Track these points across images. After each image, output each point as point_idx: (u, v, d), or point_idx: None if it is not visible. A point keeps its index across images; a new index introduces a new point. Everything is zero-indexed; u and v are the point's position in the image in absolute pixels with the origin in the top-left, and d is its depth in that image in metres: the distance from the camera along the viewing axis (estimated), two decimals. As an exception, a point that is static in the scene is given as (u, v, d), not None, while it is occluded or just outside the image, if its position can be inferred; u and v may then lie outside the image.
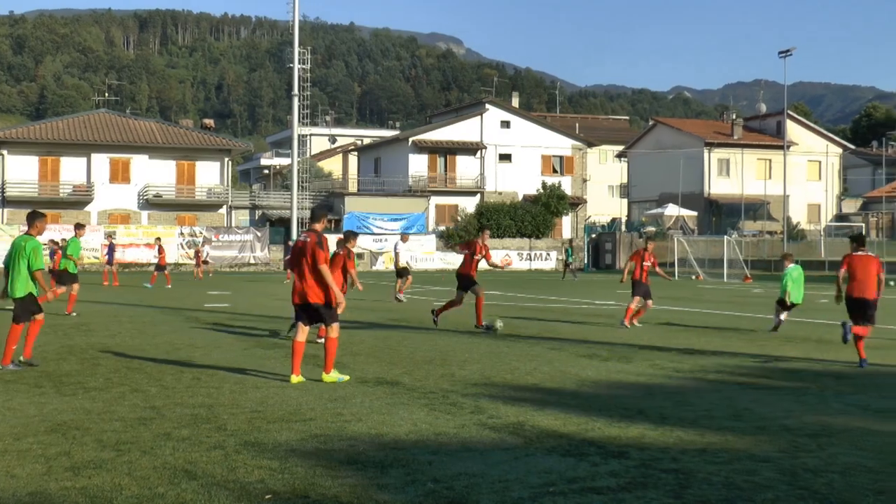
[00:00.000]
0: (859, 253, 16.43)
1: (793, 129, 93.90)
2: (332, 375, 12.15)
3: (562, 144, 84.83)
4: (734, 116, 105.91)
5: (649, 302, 21.95)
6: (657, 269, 23.03)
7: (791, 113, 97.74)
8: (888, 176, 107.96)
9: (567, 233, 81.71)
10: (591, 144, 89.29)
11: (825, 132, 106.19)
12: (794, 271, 21.92)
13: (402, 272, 30.31)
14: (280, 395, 11.11)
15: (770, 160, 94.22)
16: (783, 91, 78.33)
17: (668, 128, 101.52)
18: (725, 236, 63.33)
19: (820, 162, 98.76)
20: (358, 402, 10.65)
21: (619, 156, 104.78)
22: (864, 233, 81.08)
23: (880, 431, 9.29)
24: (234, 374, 12.93)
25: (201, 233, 64.66)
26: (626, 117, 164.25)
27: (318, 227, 12.52)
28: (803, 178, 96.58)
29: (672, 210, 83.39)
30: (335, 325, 12.18)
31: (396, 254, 31.17)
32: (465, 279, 20.27)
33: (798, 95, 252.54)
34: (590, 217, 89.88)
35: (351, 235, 18.29)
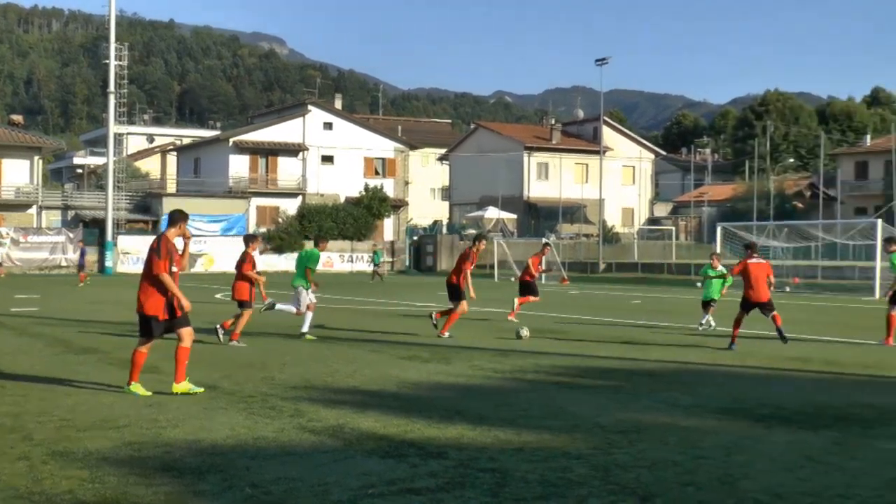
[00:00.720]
0: (753, 260, 18.22)
1: (609, 135, 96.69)
2: (184, 386, 11.41)
3: (384, 147, 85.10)
4: (553, 122, 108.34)
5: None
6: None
7: (607, 119, 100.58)
8: (696, 181, 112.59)
9: (389, 235, 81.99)
10: (413, 147, 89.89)
11: (639, 138, 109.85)
12: (709, 271, 23.10)
13: None
14: (92, 402, 10.76)
15: (587, 164, 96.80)
16: (600, 98, 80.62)
17: (489, 132, 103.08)
18: (543, 239, 64.69)
19: (634, 167, 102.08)
20: (175, 408, 10.41)
21: (441, 159, 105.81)
22: (674, 235, 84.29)
23: (687, 427, 9.66)
24: (42, 381, 12.45)
25: (8, 233, 62.09)
26: (449, 121, 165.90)
27: (170, 231, 11.59)
28: (618, 182, 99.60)
29: (492, 213, 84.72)
30: (187, 332, 11.45)
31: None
32: (452, 288, 20.00)
33: (614, 102, 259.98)
34: (411, 219, 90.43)
35: (250, 239, 18.25)
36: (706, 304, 22.89)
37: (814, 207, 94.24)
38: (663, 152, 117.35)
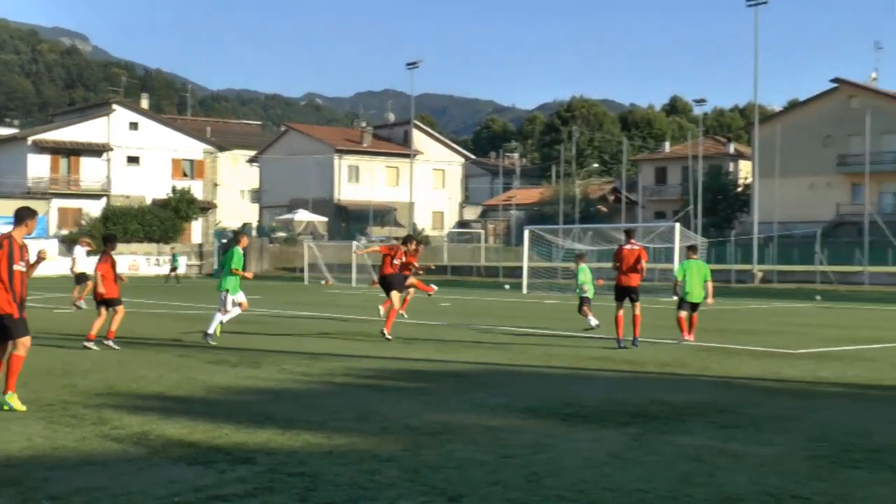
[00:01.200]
0: (628, 246, 18.52)
1: (419, 139, 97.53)
2: (12, 398, 10.51)
3: (192, 148, 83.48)
4: (364, 125, 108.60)
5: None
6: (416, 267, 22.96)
7: (418, 123, 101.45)
8: (505, 185, 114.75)
9: (197, 238, 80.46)
10: (222, 149, 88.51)
11: (449, 142, 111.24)
12: (583, 272, 23.96)
13: (80, 278, 29.02)
14: None
15: (398, 168, 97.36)
16: (411, 101, 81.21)
17: (299, 134, 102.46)
18: (354, 242, 64.72)
19: (444, 170, 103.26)
20: (-34, 419, 9.92)
21: (251, 161, 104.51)
22: (484, 238, 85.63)
23: (494, 427, 9.83)
24: None
25: None
26: (259, 122, 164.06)
27: (17, 231, 10.74)
28: (429, 185, 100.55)
29: (303, 215, 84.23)
30: (22, 341, 10.55)
31: (73, 259, 29.81)
32: (385, 279, 20.06)
33: (425, 106, 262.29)
34: (220, 222, 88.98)
35: (109, 240, 17.82)
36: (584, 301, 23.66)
37: (617, 211, 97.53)
38: (473, 156, 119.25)
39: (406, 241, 21.42)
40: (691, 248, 20.49)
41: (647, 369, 15.09)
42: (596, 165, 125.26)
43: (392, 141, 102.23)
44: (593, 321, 22.94)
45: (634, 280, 18.32)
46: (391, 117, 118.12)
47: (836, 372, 14.89)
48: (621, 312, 18.38)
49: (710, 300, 19.26)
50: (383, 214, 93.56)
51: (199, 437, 9.08)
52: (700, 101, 79.49)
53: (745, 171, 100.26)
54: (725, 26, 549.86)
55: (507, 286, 52.52)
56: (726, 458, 8.36)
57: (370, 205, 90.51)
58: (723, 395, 12.25)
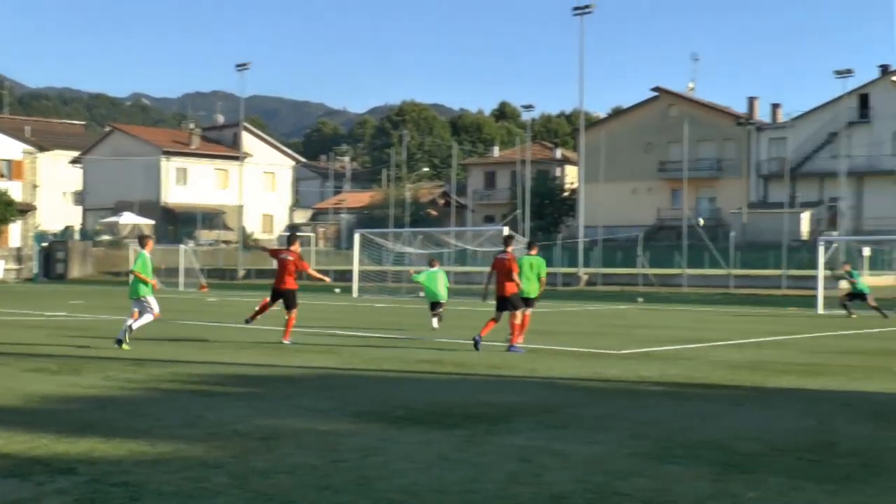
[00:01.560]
0: (501, 256, 18.45)
1: (249, 141, 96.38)
2: None
3: (11, 148, 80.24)
4: (192, 126, 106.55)
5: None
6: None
7: (247, 125, 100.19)
8: (335, 188, 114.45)
9: (16, 241, 77.39)
10: (43, 149, 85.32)
11: (279, 145, 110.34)
12: (435, 274, 24.73)
13: None
14: None
15: (227, 170, 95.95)
16: (240, 103, 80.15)
17: (125, 135, 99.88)
18: (182, 245, 63.44)
19: (274, 173, 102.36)
20: None
21: (74, 162, 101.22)
22: (314, 242, 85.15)
23: (325, 431, 9.78)
24: None
25: None
26: (83, 122, 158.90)
27: None
28: (259, 188, 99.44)
29: (128, 218, 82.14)
30: None
31: None
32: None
33: (254, 108, 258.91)
34: (40, 225, 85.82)
35: None
36: (434, 305, 24.75)
37: (447, 215, 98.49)
38: (303, 159, 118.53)
39: (291, 241, 20.63)
40: (530, 245, 20.75)
41: (476, 371, 15.27)
42: (426, 169, 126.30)
43: (221, 143, 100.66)
44: (436, 323, 23.92)
45: (510, 289, 18.26)
46: (220, 119, 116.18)
47: (657, 371, 15.39)
48: (499, 318, 18.61)
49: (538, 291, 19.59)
50: (212, 218, 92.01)
51: (16, 448, 8.72)
52: (528, 107, 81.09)
53: (571, 175, 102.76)
54: (552, 34, 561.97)
55: (337, 290, 52.32)
56: (552, 457, 8.53)
57: (199, 208, 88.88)
58: (549, 396, 12.50)
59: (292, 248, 20.21)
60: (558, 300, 43.66)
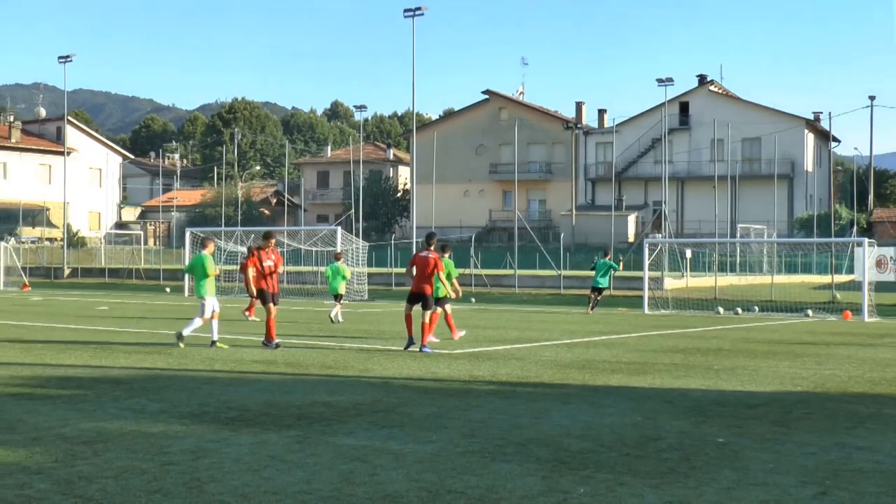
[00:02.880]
0: (423, 253, 18.71)
1: (74, 136, 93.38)
2: None
3: None
4: (12, 119, 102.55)
5: None
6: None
7: (72, 119, 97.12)
8: (165, 186, 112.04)
9: None
10: None
11: (106, 140, 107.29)
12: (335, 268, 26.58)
13: None
14: None
15: (51, 165, 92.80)
16: (63, 96, 77.62)
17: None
18: (2, 243, 61.08)
19: (101, 169, 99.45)
20: None
21: None
22: (143, 240, 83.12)
23: (154, 433, 9.55)
24: None
25: None
26: None
27: None
28: (85, 185, 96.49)
29: (-57, 214, 78.40)
30: None
31: None
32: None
33: (79, 102, 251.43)
34: None
35: None
36: (336, 297, 27.29)
37: (280, 214, 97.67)
38: (131, 156, 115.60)
39: (267, 237, 19.98)
40: (443, 248, 21.20)
41: (310, 371, 15.19)
42: (258, 168, 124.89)
43: (44, 137, 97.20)
44: (335, 313, 26.29)
45: (427, 288, 18.74)
46: (42, 112, 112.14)
47: (489, 371, 15.61)
48: (411, 312, 19.04)
49: (454, 294, 20.56)
50: (34, 214, 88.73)
51: None
52: (361, 107, 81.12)
53: (404, 176, 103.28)
54: (385, 34, 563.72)
55: (167, 289, 51.25)
56: (386, 456, 8.55)
57: (20, 204, 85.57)
58: (383, 396, 12.53)
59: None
60: (392, 300, 43.82)
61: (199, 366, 15.64)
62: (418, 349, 18.42)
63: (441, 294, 19.91)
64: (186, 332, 18.89)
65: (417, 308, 19.13)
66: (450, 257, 20.85)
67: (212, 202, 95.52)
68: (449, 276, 20.12)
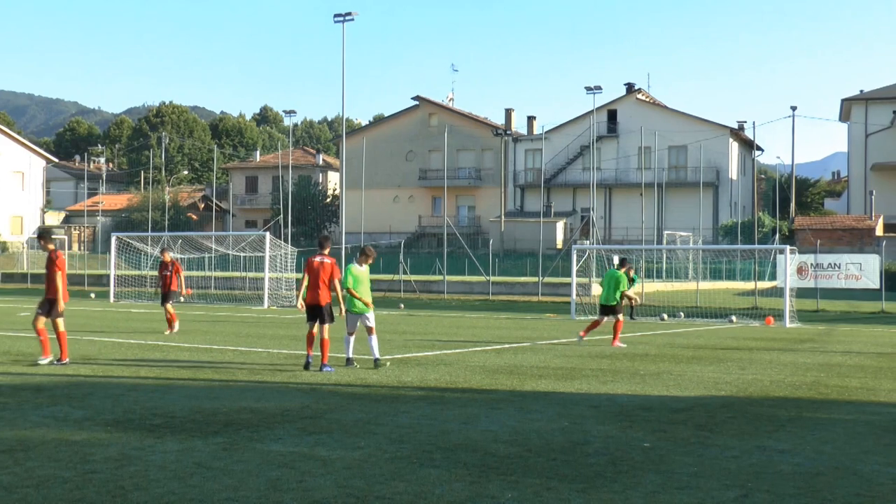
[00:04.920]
0: (317, 258, 16.54)
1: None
2: None
3: None
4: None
5: None
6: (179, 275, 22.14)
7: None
8: (90, 190, 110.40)
9: None
10: None
11: (29, 143, 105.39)
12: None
13: None
14: None
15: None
16: (-14, 98, 76.12)
17: None
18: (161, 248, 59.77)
19: (24, 173, 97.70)
20: None
21: None
22: (67, 245, 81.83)
23: (77, 441, 9.41)
24: None
25: None
26: None
27: None
28: (7, 188, 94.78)
29: None
30: None
31: None
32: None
33: (1, 104, 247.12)
34: None
35: None
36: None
37: (208, 219, 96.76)
38: (55, 159, 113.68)
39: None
40: (622, 262, 23.79)
41: (237, 378, 15.06)
42: (186, 173, 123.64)
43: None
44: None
45: (323, 297, 16.43)
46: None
47: (417, 376, 15.61)
48: (315, 330, 16.61)
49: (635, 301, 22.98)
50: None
51: None
52: (290, 112, 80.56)
53: (333, 182, 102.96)
54: (315, 39, 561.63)
55: (92, 295, 50.49)
56: (314, 463, 8.52)
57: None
58: (311, 402, 12.47)
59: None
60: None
61: (124, 373, 15.43)
62: (318, 369, 16.17)
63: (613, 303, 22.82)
64: (377, 353, 16.88)
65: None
66: (627, 271, 23.67)
67: (138, 207, 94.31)
68: (620, 287, 22.89)
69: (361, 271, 17.07)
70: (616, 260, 26.73)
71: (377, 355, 16.82)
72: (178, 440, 9.52)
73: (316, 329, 16.61)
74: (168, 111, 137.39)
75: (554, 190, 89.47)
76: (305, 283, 16.58)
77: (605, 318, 23.18)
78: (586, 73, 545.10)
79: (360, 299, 16.83)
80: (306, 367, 16.32)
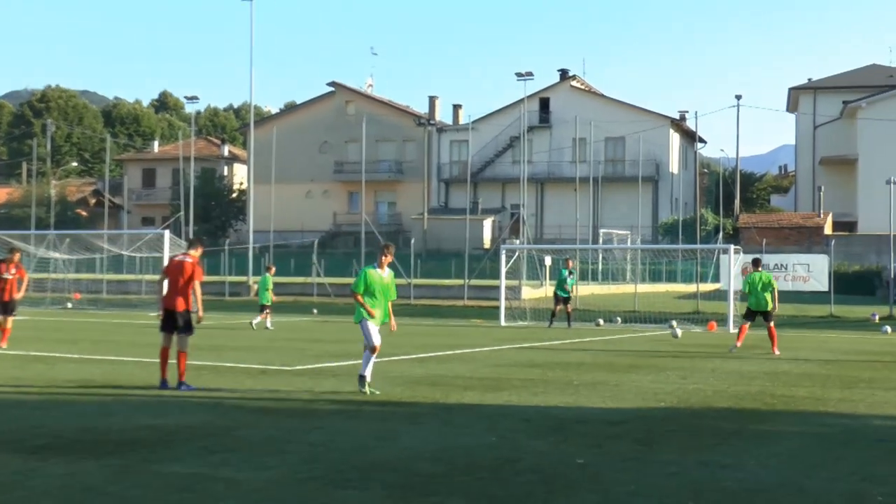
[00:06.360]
0: (178, 258, 15.64)
1: None
2: None
3: None
4: None
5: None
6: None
7: None
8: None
9: None
10: None
11: None
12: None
13: None
14: None
15: None
16: None
17: None
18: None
19: None
20: None
21: None
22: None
23: (-49, 464, 9.22)
24: None
25: None
26: None
27: None
28: None
29: None
30: None
31: None
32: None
33: None
34: None
35: None
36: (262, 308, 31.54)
37: (99, 216, 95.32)
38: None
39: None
40: (755, 262, 24.92)
41: (133, 392, 14.87)
42: (75, 164, 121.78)
43: None
44: (258, 321, 30.43)
45: (181, 303, 15.20)
46: None
47: (332, 388, 15.57)
48: (169, 344, 15.36)
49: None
50: None
51: None
52: (192, 99, 79.69)
53: (240, 175, 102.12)
54: (221, 19, 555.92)
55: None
56: (218, 485, 8.45)
57: None
58: (215, 418, 12.36)
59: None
60: (225, 311, 43.32)
61: (2, 386, 15.14)
62: (176, 387, 15.00)
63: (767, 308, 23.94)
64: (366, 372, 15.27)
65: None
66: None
67: (20, 202, 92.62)
68: (771, 289, 24.12)
69: (379, 275, 15.20)
70: (749, 260, 27.30)
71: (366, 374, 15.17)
72: (64, 462, 9.37)
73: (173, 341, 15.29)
74: (54, 96, 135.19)
75: (481, 185, 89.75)
76: (165, 285, 15.56)
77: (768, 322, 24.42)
78: (517, 59, 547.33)
79: (366, 308, 15.12)
80: (162, 386, 15.04)
